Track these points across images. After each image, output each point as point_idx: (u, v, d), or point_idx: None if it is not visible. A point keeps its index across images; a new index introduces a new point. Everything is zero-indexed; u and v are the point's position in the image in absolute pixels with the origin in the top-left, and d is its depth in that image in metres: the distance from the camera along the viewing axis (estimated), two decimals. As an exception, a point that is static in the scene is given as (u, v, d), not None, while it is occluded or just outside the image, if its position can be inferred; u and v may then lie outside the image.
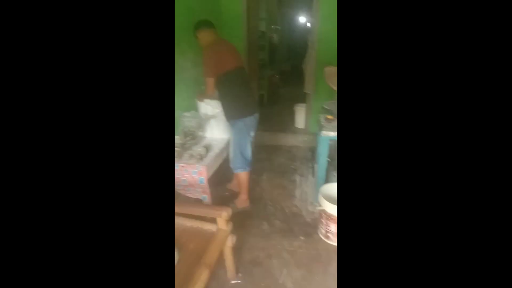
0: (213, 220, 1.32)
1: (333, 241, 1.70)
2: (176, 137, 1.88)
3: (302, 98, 3.35)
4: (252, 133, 1.89)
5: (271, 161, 2.83)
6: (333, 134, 1.82)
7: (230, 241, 1.35)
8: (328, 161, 1.92)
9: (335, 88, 2.16)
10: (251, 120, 1.84)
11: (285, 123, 3.59)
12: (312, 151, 2.85)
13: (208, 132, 2.12)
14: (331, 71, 2.17)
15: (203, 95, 1.96)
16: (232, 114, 1.83)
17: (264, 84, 4.29)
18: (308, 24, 5.99)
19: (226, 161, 2.02)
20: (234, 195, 2.11)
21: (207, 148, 1.87)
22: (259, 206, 2.08)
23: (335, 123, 1.91)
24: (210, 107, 2.01)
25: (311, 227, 1.86)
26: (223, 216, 1.28)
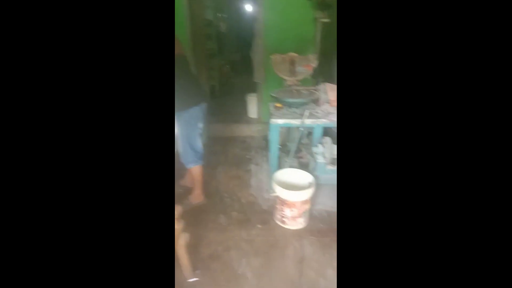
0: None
1: (288, 225, 1.75)
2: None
3: (254, 87, 3.34)
4: (201, 125, 1.82)
5: (226, 152, 2.79)
6: (282, 121, 1.85)
7: (183, 239, 1.29)
8: (279, 148, 1.96)
9: (282, 76, 2.19)
10: (198, 111, 1.76)
11: (238, 113, 3.56)
12: (266, 140, 2.88)
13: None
14: (277, 59, 2.19)
15: None
16: (175, 105, 1.72)
17: (215, 74, 4.18)
18: (256, 13, 5.93)
19: (176, 157, 1.93)
20: (188, 191, 2.03)
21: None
22: (215, 200, 2.05)
23: (283, 111, 1.94)
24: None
25: (267, 214, 1.89)
26: (173, 215, 1.22)
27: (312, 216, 1.83)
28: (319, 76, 2.40)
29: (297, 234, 1.73)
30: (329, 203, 1.93)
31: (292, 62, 2.16)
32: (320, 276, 1.44)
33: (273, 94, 2.02)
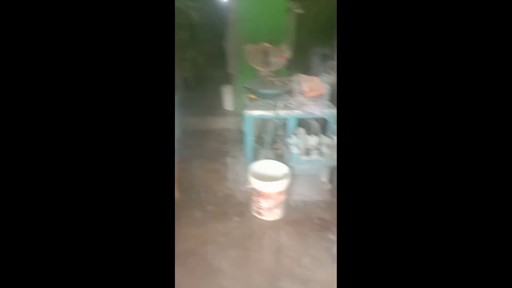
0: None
1: (265, 217, 1.76)
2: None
3: (229, 79, 3.28)
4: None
5: (202, 146, 2.73)
6: (257, 113, 1.83)
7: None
8: (255, 140, 1.94)
9: (255, 66, 2.16)
10: None
11: (214, 105, 3.49)
12: (242, 132, 2.86)
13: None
14: (251, 49, 2.15)
15: None
16: None
17: (188, 65, 4.05)
18: (230, 2, 5.77)
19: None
20: (162, 186, 1.97)
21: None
22: (190, 194, 2.00)
23: (258, 103, 1.92)
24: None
25: (244, 207, 1.88)
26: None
27: (288, 207, 1.85)
28: (293, 67, 2.40)
29: (274, 225, 1.74)
30: (305, 193, 1.97)
31: (266, 53, 2.13)
32: (297, 265, 1.47)
33: (246, 85, 1.99)
